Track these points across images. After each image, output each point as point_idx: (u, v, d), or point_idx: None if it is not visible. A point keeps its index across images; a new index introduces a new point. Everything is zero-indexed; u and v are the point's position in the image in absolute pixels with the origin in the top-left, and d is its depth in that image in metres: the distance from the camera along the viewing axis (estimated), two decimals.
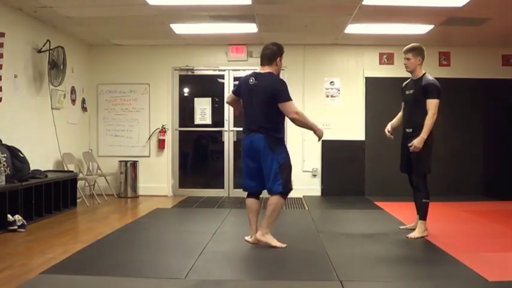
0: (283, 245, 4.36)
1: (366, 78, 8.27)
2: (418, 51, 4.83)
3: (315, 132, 4.50)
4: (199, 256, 4.03)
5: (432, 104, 4.64)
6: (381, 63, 8.26)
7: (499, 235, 5.08)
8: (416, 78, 4.86)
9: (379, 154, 8.02)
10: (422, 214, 4.77)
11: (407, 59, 4.84)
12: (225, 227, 5.44)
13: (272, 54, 4.40)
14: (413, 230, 4.93)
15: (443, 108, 8.04)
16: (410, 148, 4.68)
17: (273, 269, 3.82)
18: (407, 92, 4.95)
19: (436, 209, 6.72)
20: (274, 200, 4.36)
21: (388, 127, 5.11)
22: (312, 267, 3.81)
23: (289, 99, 4.32)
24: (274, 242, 4.37)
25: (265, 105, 4.30)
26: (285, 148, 4.50)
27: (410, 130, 4.81)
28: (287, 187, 4.40)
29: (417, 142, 4.63)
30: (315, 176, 8.28)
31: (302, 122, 4.43)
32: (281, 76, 4.68)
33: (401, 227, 5.21)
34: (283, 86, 4.35)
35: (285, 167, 4.41)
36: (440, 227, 5.33)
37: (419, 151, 4.64)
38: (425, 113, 4.66)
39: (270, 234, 4.41)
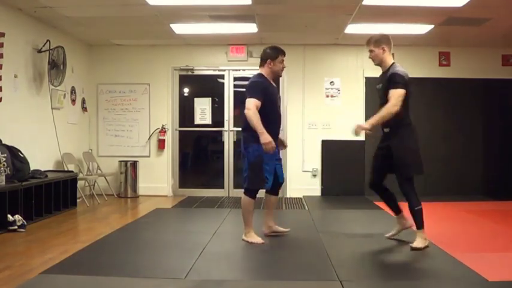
0: (260, 241, 4.48)
1: (366, 78, 8.26)
2: (379, 40, 4.44)
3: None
4: (199, 256, 4.03)
5: (395, 94, 4.15)
6: None
7: (499, 235, 5.07)
8: (384, 70, 4.44)
9: None
10: (419, 223, 4.25)
11: (370, 51, 4.47)
12: (225, 227, 5.43)
13: (263, 57, 4.63)
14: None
15: (444, 108, 8.22)
16: (357, 129, 4.25)
17: (273, 269, 3.82)
18: (377, 87, 4.51)
19: (436, 209, 6.73)
20: (242, 198, 4.56)
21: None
22: (312, 267, 3.81)
23: (251, 96, 4.41)
24: (252, 239, 4.53)
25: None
26: (260, 146, 4.40)
27: (388, 129, 4.37)
28: (251, 185, 4.48)
29: (367, 124, 4.23)
30: (315, 176, 8.28)
31: (250, 120, 4.38)
32: (281, 76, 4.89)
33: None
34: (252, 83, 4.53)
35: (254, 165, 4.45)
36: (440, 227, 5.33)
37: (402, 152, 4.24)
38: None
39: (252, 232, 4.57)
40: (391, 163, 4.32)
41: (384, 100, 4.30)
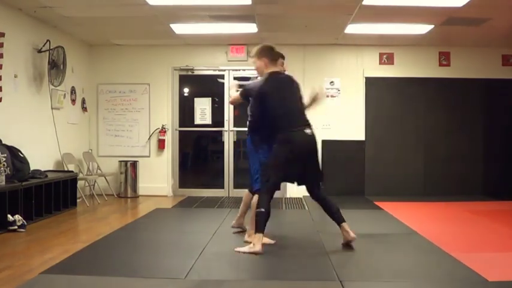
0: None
1: (366, 78, 8.26)
2: (260, 52, 4.44)
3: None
4: (199, 256, 4.02)
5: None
6: (381, 63, 8.25)
7: (499, 235, 5.08)
8: None
9: (379, 154, 8.02)
10: (255, 225, 4.16)
11: (254, 63, 4.51)
12: (225, 227, 5.43)
13: None
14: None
15: (444, 108, 8.21)
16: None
17: (273, 269, 3.82)
18: None
19: (436, 209, 6.74)
20: (255, 199, 4.47)
21: None
22: (312, 267, 3.81)
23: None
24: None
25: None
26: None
27: None
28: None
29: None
30: None
31: (232, 99, 4.75)
32: None
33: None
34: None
35: (267, 165, 4.42)
36: (440, 227, 5.34)
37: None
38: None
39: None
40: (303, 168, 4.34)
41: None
